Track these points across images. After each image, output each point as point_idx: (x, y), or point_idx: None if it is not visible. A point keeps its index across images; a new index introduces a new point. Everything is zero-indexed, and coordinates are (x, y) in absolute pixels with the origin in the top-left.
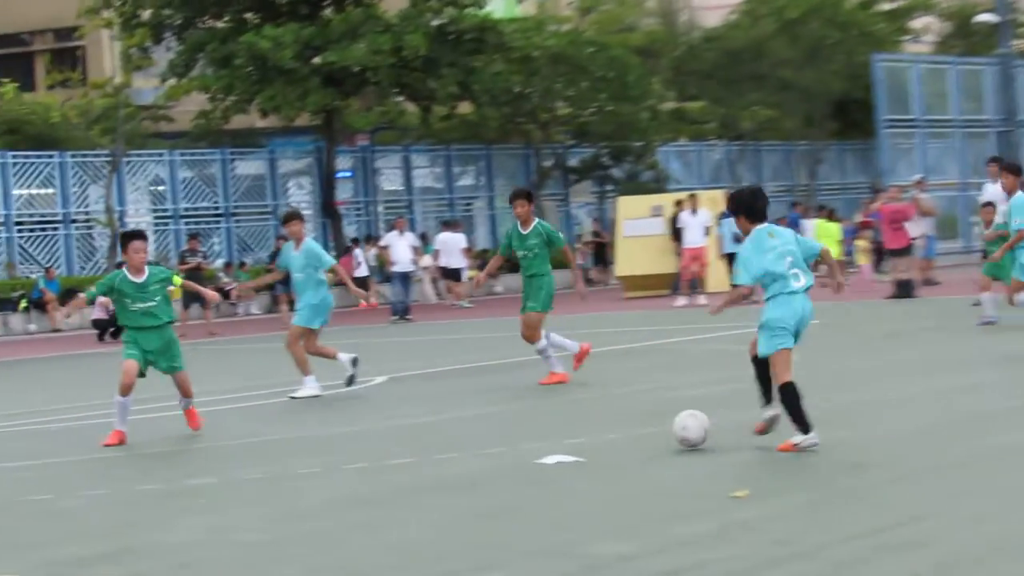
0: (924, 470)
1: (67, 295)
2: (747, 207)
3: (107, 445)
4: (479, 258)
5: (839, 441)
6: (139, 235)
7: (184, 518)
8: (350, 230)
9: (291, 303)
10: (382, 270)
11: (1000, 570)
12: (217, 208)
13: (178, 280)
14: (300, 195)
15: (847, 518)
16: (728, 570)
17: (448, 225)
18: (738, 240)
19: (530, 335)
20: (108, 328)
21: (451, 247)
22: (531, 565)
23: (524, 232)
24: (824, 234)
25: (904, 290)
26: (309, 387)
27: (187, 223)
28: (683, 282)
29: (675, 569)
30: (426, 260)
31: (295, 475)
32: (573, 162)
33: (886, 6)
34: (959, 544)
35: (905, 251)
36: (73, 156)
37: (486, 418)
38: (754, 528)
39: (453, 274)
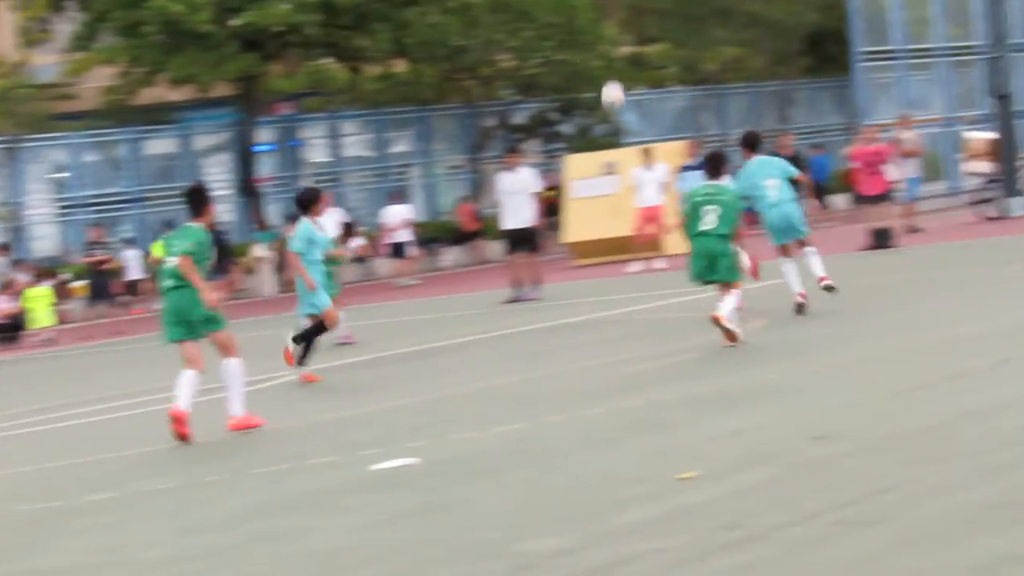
0: (891, 438)
1: None
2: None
3: None
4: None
5: (802, 411)
6: None
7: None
8: (274, 209)
9: None
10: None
11: (967, 544)
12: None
13: None
14: (218, 174)
15: (806, 495)
16: (674, 559)
17: (394, 197)
18: None
19: None
20: None
21: (396, 220)
22: (458, 569)
23: None
24: None
25: (881, 240)
26: None
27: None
28: (638, 245)
29: (614, 561)
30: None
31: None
32: (519, 120)
33: None
34: (923, 518)
35: (882, 198)
36: None
37: (413, 408)
38: (703, 511)
39: (398, 249)
